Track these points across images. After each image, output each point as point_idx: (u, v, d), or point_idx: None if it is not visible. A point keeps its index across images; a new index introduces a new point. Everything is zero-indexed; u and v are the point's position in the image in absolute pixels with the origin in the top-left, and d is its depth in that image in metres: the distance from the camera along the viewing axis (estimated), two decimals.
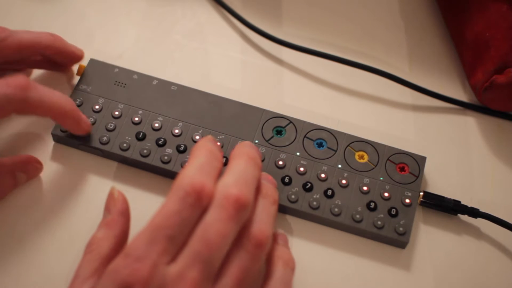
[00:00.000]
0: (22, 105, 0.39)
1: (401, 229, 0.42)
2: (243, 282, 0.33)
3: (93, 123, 0.46)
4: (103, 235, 0.35)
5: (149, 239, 0.32)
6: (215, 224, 0.33)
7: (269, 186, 0.38)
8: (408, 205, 0.43)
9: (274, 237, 0.39)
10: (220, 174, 0.36)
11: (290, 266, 0.38)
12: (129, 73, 0.48)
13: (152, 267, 0.31)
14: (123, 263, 0.32)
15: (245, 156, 0.37)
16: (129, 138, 0.45)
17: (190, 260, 0.32)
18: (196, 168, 0.35)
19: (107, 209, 0.37)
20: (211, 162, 0.36)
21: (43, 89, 0.40)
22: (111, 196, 0.37)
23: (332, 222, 0.43)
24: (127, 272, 0.31)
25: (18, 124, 0.47)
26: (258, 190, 0.37)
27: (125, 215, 0.36)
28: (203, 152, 0.36)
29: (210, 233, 0.33)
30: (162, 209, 0.33)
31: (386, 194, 0.44)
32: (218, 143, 0.40)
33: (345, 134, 0.46)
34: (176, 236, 0.32)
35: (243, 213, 0.34)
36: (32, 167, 0.44)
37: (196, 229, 0.33)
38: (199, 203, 0.33)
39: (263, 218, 0.36)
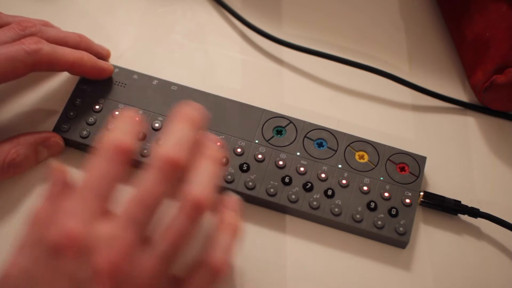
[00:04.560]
0: (38, 58, 0.42)
1: (401, 229, 0.42)
2: (178, 244, 0.33)
3: (93, 123, 0.46)
4: (46, 206, 0.35)
5: (79, 199, 0.33)
6: (149, 186, 0.33)
7: (213, 146, 0.37)
8: (408, 205, 0.43)
9: (224, 202, 0.38)
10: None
11: (236, 234, 0.36)
12: (129, 73, 0.48)
13: (83, 226, 0.32)
14: (55, 225, 0.32)
15: (182, 118, 0.36)
16: None
17: (123, 221, 0.32)
18: (120, 132, 0.35)
19: (49, 180, 0.36)
20: (133, 126, 0.36)
21: (55, 44, 0.44)
22: (51, 169, 0.36)
23: (332, 222, 0.43)
24: (58, 232, 0.32)
25: (18, 124, 0.47)
26: (200, 151, 0.36)
27: (67, 185, 0.35)
28: (126, 119, 0.37)
29: (145, 195, 0.33)
30: (89, 170, 0.33)
31: (386, 194, 0.44)
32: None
33: (345, 134, 0.46)
34: (103, 193, 0.33)
35: (176, 173, 0.33)
36: (53, 142, 0.45)
37: (133, 190, 0.33)
38: (121, 159, 0.34)
39: (203, 179, 0.34)
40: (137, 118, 0.36)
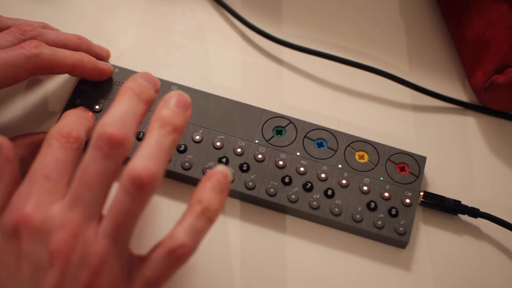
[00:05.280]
0: (38, 62, 0.42)
1: (401, 229, 0.42)
2: (122, 224, 0.32)
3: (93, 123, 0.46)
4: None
5: (28, 182, 0.33)
6: (90, 165, 0.32)
7: (171, 114, 0.34)
8: (408, 205, 0.43)
9: (207, 175, 0.35)
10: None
11: (206, 214, 0.33)
12: (129, 73, 0.48)
13: (36, 208, 0.32)
14: (8, 208, 0.33)
15: (129, 92, 0.34)
16: None
17: (71, 202, 0.32)
18: (67, 120, 0.36)
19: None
20: (81, 115, 0.37)
21: (55, 47, 0.44)
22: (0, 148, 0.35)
23: (332, 222, 0.43)
24: (13, 216, 0.32)
25: (18, 125, 0.47)
26: (154, 120, 0.34)
27: (11, 161, 0.35)
28: (73, 113, 0.38)
29: (87, 174, 0.32)
30: (38, 156, 0.34)
31: (386, 194, 0.44)
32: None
33: (345, 134, 0.46)
34: (54, 176, 0.33)
35: (118, 150, 0.32)
36: None
37: (77, 171, 0.33)
38: (69, 146, 0.34)
39: (150, 153, 0.32)
40: (88, 114, 0.37)
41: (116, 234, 0.32)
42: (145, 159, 0.32)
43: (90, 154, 0.33)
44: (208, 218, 0.33)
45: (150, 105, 0.36)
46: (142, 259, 0.34)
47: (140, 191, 0.31)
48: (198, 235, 0.33)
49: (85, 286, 0.31)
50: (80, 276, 0.31)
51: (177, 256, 0.33)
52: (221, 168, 0.35)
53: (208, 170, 0.36)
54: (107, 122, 0.33)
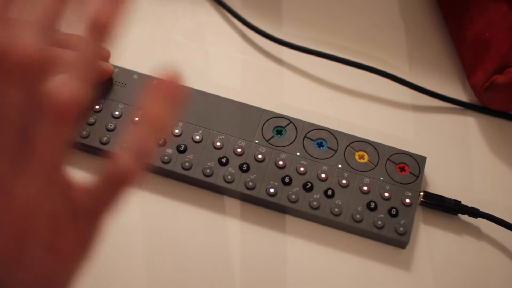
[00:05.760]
0: None
1: (401, 229, 0.42)
2: (51, 163, 0.26)
3: (93, 123, 0.46)
4: None
5: None
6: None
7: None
8: (408, 205, 0.43)
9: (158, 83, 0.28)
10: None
11: (156, 131, 0.27)
12: (129, 73, 0.48)
13: None
14: None
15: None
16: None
17: None
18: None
19: None
20: None
21: (55, 47, 0.40)
22: None
23: (332, 222, 0.43)
24: None
25: None
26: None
27: None
28: None
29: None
30: None
31: (386, 194, 0.44)
32: None
33: (345, 134, 0.46)
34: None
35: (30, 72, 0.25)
36: None
37: None
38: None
39: (68, 77, 0.26)
40: None
41: (43, 173, 0.26)
42: (69, 85, 0.25)
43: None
44: (155, 131, 0.28)
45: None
46: (84, 189, 0.28)
47: (61, 125, 0.25)
48: (145, 153, 0.27)
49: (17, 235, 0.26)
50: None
51: (125, 185, 0.27)
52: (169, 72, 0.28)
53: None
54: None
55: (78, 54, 0.27)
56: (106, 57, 0.49)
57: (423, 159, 0.45)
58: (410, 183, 0.44)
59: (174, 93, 0.29)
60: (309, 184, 0.44)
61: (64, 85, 0.25)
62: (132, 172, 0.27)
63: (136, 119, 0.28)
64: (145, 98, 0.28)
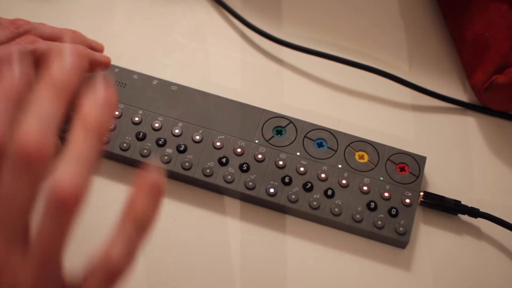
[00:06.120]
0: (34, 57, 0.42)
1: (401, 229, 0.42)
2: (51, 252, 0.27)
3: None
4: None
5: None
6: (4, 184, 0.26)
7: (97, 113, 0.28)
8: (408, 205, 0.43)
9: (139, 179, 0.29)
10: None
11: (143, 226, 0.28)
12: (129, 73, 0.48)
13: None
14: None
15: (48, 86, 0.27)
16: (129, 138, 0.45)
17: None
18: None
19: None
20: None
21: (50, 41, 0.43)
22: None
23: (332, 222, 0.43)
24: None
25: None
26: (79, 123, 0.28)
27: None
28: None
29: (1, 198, 0.26)
30: None
31: (386, 194, 0.44)
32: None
33: (345, 134, 0.46)
34: None
35: (35, 165, 0.26)
36: None
37: None
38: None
39: (73, 165, 0.26)
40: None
41: (44, 263, 0.27)
42: (69, 176, 0.26)
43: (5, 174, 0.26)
44: (142, 227, 0.29)
45: (71, 96, 0.28)
46: (76, 286, 0.29)
47: (66, 212, 0.26)
48: (133, 249, 0.28)
49: None
50: None
51: (117, 278, 0.28)
52: (152, 175, 0.30)
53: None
54: (23, 130, 0.26)
55: (78, 148, 0.27)
56: (100, 50, 0.49)
57: (423, 159, 0.45)
58: (410, 183, 0.44)
59: (156, 189, 0.30)
60: (309, 184, 0.44)
61: (66, 177, 0.26)
62: (122, 268, 0.28)
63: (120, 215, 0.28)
64: (134, 196, 0.29)
